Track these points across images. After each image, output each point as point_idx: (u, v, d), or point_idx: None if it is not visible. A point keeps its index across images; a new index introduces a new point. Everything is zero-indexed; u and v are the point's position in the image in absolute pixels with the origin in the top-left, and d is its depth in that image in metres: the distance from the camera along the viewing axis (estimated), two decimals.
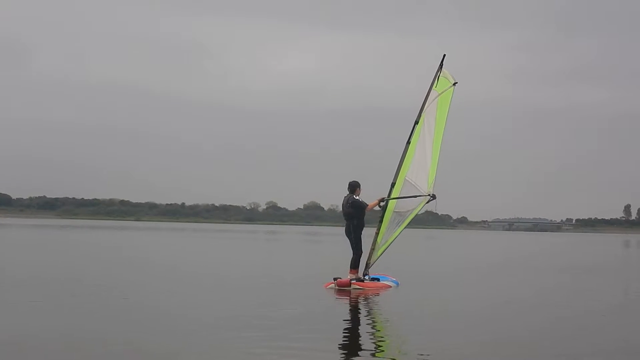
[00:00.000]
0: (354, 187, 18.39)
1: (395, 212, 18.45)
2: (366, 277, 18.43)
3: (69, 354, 9.86)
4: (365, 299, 16.56)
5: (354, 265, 18.21)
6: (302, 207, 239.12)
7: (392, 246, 18.86)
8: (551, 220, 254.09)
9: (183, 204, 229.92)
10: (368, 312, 15.03)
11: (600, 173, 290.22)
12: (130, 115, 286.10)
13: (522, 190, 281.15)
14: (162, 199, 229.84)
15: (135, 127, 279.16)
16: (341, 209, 18.71)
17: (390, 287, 18.57)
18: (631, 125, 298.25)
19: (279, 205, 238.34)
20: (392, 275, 19.88)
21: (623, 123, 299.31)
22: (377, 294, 17.39)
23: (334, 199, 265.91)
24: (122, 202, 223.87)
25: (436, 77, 18.63)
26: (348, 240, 18.43)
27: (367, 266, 18.56)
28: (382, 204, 18.28)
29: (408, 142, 18.36)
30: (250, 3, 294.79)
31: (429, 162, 18.24)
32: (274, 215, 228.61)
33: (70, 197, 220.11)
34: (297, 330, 11.75)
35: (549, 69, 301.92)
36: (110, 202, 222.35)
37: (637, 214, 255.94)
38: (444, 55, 18.74)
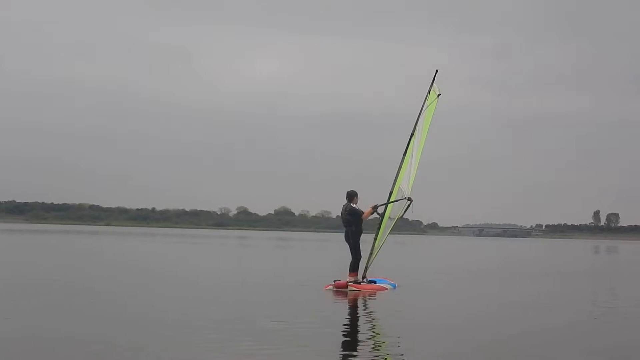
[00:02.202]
0: (351, 196, 19.37)
1: (389, 218, 19.56)
2: (364, 280, 19.33)
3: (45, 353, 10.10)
4: (363, 300, 17.37)
5: (353, 268, 19.16)
6: (272, 212, 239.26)
7: (386, 251, 19.43)
8: (521, 226, 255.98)
9: (153, 208, 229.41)
10: (361, 312, 15.73)
11: (570, 179, 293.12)
12: (100, 118, 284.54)
13: (492, 196, 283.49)
14: (132, 204, 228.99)
15: (105, 130, 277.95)
16: (340, 216, 19.61)
17: (386, 289, 19.40)
18: (601, 133, 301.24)
19: (249, 210, 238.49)
20: (391, 278, 20.73)
21: (592, 130, 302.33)
22: (374, 296, 18.16)
23: (305, 204, 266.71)
24: (92, 207, 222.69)
25: (429, 91, 19.63)
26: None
27: (365, 269, 19.50)
28: (378, 210, 19.30)
29: (404, 154, 19.34)
30: (222, 8, 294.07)
31: (412, 169, 19.36)
32: (245, 220, 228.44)
33: (39, 201, 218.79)
34: (297, 332, 12.00)
35: (521, 76, 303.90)
36: (80, 207, 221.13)
37: (606, 219, 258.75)
38: (437, 71, 19.74)
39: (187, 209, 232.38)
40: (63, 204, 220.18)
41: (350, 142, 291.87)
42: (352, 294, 18.13)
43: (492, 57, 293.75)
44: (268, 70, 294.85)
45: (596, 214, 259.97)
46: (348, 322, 13.90)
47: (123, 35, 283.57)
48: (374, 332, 13.02)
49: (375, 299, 17.73)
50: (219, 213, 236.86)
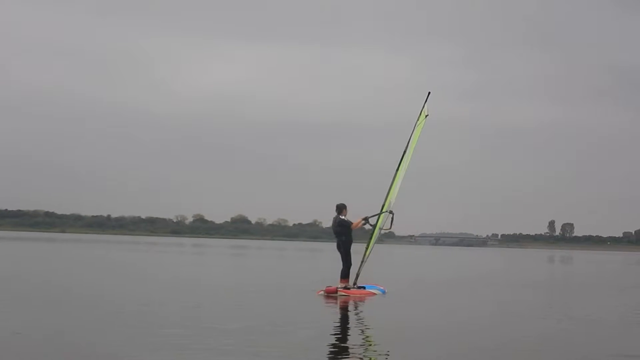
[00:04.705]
0: (340, 208, 20.35)
1: (379, 229, 20.43)
2: (354, 286, 20.26)
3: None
4: (353, 305, 18.06)
5: (344, 275, 20.12)
6: (229, 220, 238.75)
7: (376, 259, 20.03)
8: (477, 235, 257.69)
9: (109, 216, 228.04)
10: (352, 318, 16.17)
11: (525, 189, 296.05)
12: (55, 125, 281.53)
13: (448, 205, 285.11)
14: (87, 211, 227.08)
15: (60, 135, 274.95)
16: (331, 228, 20.58)
17: (374, 294, 20.32)
18: (557, 143, 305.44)
19: (205, 218, 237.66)
20: (381, 284, 21.72)
21: (549, 141, 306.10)
22: (362, 301, 18.93)
23: (261, 212, 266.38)
24: (47, 214, 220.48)
25: (421, 112, 20.59)
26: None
27: (357, 276, 20.47)
28: (370, 222, 20.08)
29: (397, 169, 20.33)
30: (184, 18, 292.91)
31: (399, 183, 20.40)
32: (201, 228, 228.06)
33: None
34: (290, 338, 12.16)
35: (481, 86, 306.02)
36: (35, 214, 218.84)
37: (561, 229, 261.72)
38: (429, 93, 20.63)
39: (143, 217, 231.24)
40: (17, 210, 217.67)
41: (307, 150, 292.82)
42: (342, 299, 18.89)
43: (452, 66, 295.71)
44: (226, 77, 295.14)
45: (551, 224, 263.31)
46: (339, 328, 14.09)
47: (88, 42, 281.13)
48: (365, 339, 13.00)
49: (364, 304, 18.32)
50: (175, 220, 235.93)
